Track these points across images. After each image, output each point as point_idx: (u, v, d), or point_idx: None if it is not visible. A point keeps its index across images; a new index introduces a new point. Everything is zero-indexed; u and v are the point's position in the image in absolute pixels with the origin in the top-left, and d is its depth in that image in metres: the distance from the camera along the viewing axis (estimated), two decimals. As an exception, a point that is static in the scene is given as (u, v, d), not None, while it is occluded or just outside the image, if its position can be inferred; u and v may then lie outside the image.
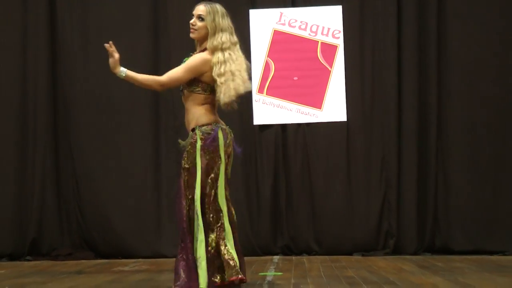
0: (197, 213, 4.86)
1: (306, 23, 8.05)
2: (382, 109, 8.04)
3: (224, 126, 5.13)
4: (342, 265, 6.92)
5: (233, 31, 5.22)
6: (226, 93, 5.00)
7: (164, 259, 7.74)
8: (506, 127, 7.91)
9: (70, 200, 8.11)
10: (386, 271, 6.30)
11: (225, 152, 5.05)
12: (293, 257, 7.76)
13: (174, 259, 7.62)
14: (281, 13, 8.07)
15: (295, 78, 8.05)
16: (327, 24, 8.04)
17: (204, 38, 5.13)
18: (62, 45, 8.18)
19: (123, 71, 4.98)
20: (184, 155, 5.02)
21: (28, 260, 7.88)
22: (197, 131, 5.00)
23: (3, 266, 7.43)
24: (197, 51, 5.18)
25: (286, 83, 8.03)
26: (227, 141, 5.08)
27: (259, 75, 8.02)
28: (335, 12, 8.05)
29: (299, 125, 8.06)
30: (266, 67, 8.03)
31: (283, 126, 8.08)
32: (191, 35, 5.18)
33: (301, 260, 7.50)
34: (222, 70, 5.05)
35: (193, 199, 4.88)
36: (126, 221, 7.96)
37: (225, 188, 5.03)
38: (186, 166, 4.96)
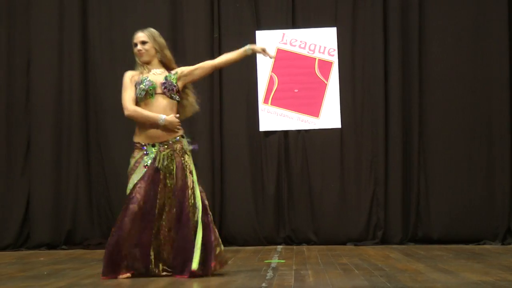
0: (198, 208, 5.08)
1: (305, 43, 8.05)
2: (371, 117, 8.04)
3: None
4: (337, 253, 6.91)
5: None
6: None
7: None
8: (477, 130, 7.92)
9: (100, 196, 8.11)
10: (375, 259, 6.29)
11: None
12: (294, 247, 7.76)
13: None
14: (284, 34, 8.07)
15: (296, 90, 8.05)
16: (324, 43, 8.04)
17: (153, 58, 5.22)
18: (93, 63, 8.19)
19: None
20: (185, 159, 5.12)
21: (64, 249, 7.89)
22: (184, 138, 5.15)
23: (42, 254, 7.44)
24: (159, 71, 5.32)
25: (288, 94, 8.02)
26: None
27: (265, 88, 8.02)
28: (331, 33, 8.05)
29: (299, 131, 8.05)
30: (271, 81, 8.03)
31: (285, 132, 8.07)
32: (143, 59, 5.35)
33: (301, 249, 7.50)
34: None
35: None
36: (149, 215, 7.94)
37: None
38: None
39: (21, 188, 8.09)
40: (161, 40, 5.37)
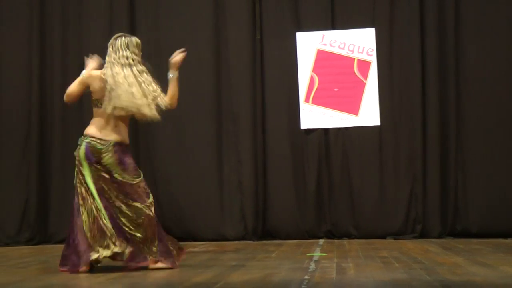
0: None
1: (345, 43, 7.98)
2: (409, 114, 7.95)
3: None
4: (377, 247, 6.84)
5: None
6: None
7: (226, 242, 7.75)
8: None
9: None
10: (414, 252, 6.21)
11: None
12: (335, 240, 7.70)
13: (235, 241, 7.71)
14: (323, 35, 8.01)
15: (336, 90, 7.99)
16: (362, 44, 7.97)
17: None
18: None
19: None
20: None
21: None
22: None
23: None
24: None
25: (328, 93, 7.97)
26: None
27: (306, 87, 7.98)
28: (369, 34, 7.97)
29: (339, 129, 8.00)
30: (311, 81, 7.99)
31: (326, 130, 8.02)
32: None
33: (342, 243, 7.44)
34: None
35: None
36: (195, 210, 7.98)
37: None
38: None
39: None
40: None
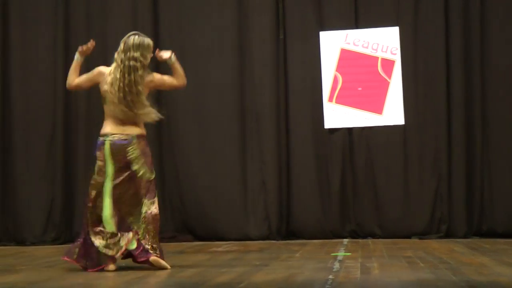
0: None
1: (368, 42, 7.95)
2: (434, 113, 7.90)
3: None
4: (402, 247, 6.81)
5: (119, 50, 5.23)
6: None
7: (250, 242, 7.75)
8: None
9: (173, 193, 8.17)
10: (439, 252, 6.17)
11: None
12: (360, 240, 7.67)
13: (259, 241, 7.71)
14: (347, 34, 7.99)
15: (359, 89, 7.96)
16: (386, 43, 7.93)
17: None
18: (164, 67, 8.24)
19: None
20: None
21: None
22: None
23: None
24: None
25: (352, 93, 7.94)
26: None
27: (329, 87, 7.96)
28: (393, 33, 7.93)
29: (363, 128, 7.97)
30: (335, 80, 7.96)
31: (349, 129, 8.00)
32: None
33: (367, 242, 7.41)
34: None
35: None
36: (219, 210, 7.98)
37: None
38: None
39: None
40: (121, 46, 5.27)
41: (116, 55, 5.25)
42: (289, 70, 8.05)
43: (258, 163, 8.05)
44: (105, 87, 5.20)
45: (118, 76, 5.13)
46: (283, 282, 4.40)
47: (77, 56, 5.39)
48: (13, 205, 8.15)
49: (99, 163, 5.23)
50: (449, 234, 7.73)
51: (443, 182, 7.81)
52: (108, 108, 5.23)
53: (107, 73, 5.23)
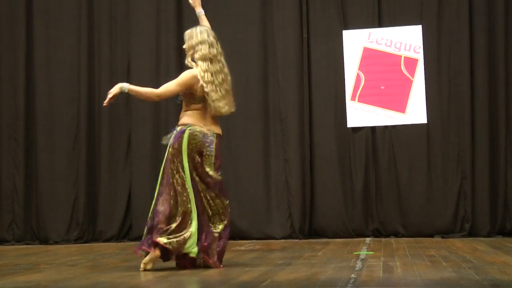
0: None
1: (391, 41, 7.93)
2: (457, 112, 7.86)
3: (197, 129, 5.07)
4: (425, 245, 6.78)
5: (213, 45, 5.19)
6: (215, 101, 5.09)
7: (273, 240, 7.77)
8: None
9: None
10: (463, 251, 6.14)
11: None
12: (382, 239, 7.66)
13: (282, 240, 7.73)
14: (370, 33, 7.98)
15: (382, 87, 7.95)
16: (409, 41, 7.90)
17: (191, 57, 5.27)
18: (187, 66, 8.29)
19: (125, 86, 5.19)
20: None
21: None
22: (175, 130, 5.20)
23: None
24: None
25: (375, 91, 7.93)
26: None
27: (352, 85, 7.96)
28: (416, 31, 7.91)
29: (386, 127, 7.95)
30: (358, 79, 7.96)
31: (372, 128, 7.98)
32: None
33: (389, 241, 7.39)
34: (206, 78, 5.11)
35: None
36: (242, 210, 8.00)
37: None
38: None
39: (122, 184, 8.27)
40: (193, 40, 5.24)
41: (202, 52, 5.22)
42: (312, 69, 8.05)
43: (282, 162, 8.07)
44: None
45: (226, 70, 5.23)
46: (305, 281, 4.41)
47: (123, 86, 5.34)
48: (36, 204, 8.26)
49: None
50: (472, 233, 7.69)
51: (466, 181, 7.77)
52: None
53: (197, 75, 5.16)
